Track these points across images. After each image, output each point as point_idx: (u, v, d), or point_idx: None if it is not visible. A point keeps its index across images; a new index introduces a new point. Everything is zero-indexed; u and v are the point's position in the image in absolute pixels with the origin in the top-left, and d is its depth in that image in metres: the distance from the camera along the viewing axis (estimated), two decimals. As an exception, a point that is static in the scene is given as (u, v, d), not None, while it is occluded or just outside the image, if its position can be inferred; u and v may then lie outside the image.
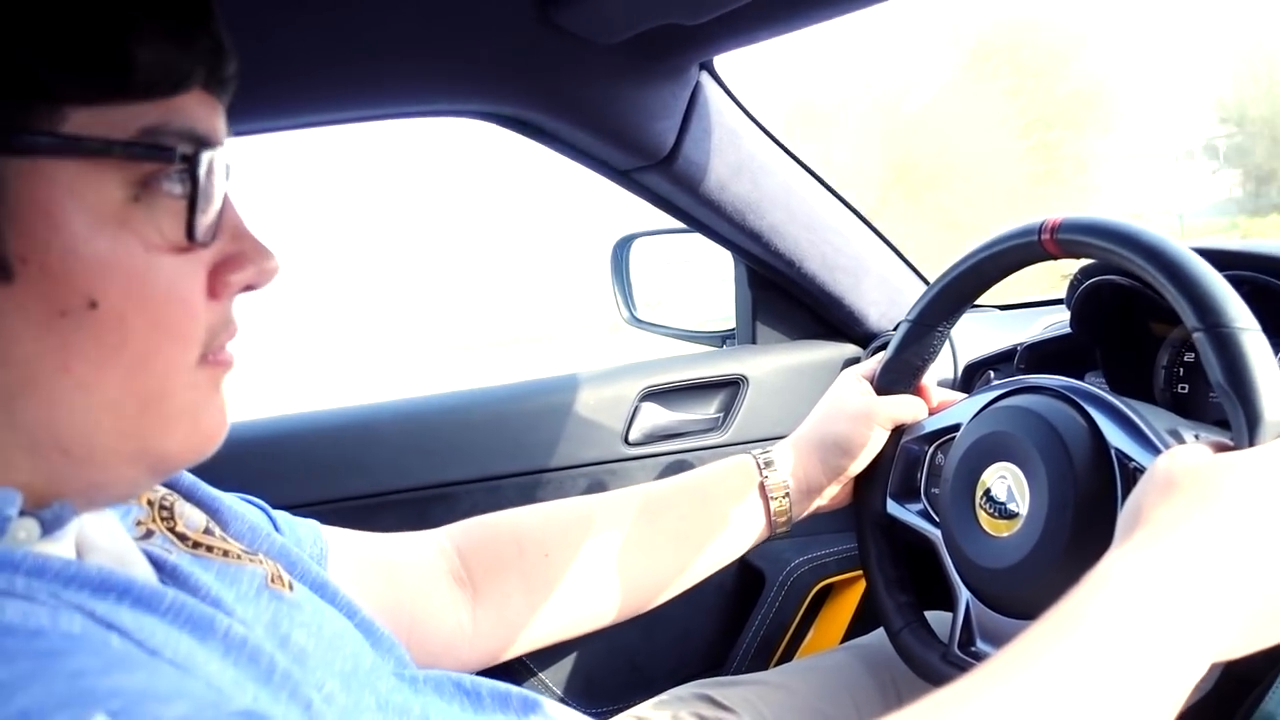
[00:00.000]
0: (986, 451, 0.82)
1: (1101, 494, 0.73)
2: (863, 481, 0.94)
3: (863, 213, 1.26)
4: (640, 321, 1.48)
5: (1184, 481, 0.58)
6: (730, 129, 1.13)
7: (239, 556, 0.59)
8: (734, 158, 1.14)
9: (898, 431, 0.93)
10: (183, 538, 0.57)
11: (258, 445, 1.09)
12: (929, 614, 0.90)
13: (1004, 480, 0.80)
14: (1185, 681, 0.53)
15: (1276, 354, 0.63)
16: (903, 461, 0.92)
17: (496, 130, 1.09)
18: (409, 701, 0.61)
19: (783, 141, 1.18)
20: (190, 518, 0.60)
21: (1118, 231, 0.70)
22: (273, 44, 0.86)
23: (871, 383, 0.93)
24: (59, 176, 0.43)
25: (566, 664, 1.17)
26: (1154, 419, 0.73)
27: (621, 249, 1.48)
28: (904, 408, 0.92)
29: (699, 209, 1.18)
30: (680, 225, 1.25)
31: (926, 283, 1.00)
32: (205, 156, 0.46)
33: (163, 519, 0.58)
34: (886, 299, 1.27)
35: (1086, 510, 0.74)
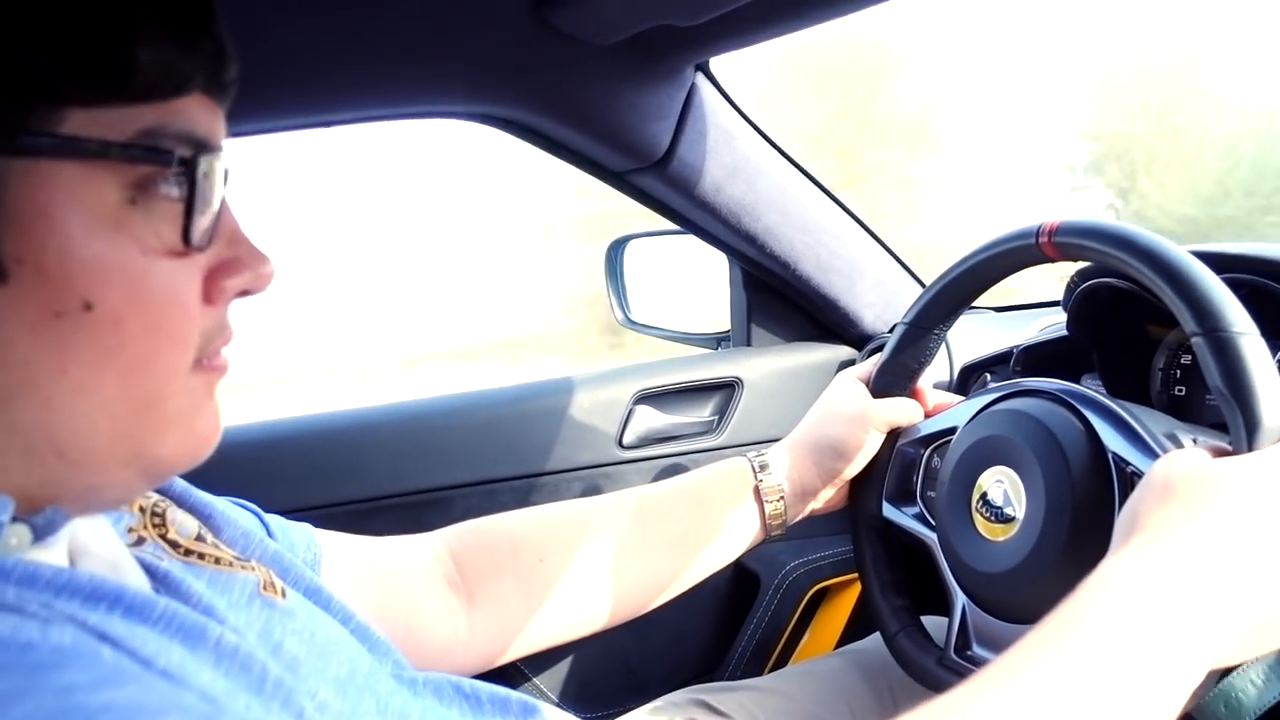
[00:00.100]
0: (983, 455, 0.82)
1: (1098, 499, 0.73)
2: (858, 484, 0.94)
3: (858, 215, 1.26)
4: (635, 323, 1.48)
5: (1181, 487, 0.58)
6: (725, 131, 1.12)
7: (231, 563, 0.58)
8: (729, 160, 1.13)
9: (893, 434, 0.92)
10: (174, 545, 0.57)
11: (251, 449, 1.09)
12: (925, 619, 0.90)
13: (1000, 484, 0.79)
14: (1182, 688, 0.52)
15: (1275, 358, 0.62)
16: (898, 464, 0.92)
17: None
18: (409, 705, 0.60)
19: (778, 144, 1.17)
20: (182, 524, 0.59)
21: (1116, 234, 0.70)
22: (265, 45, 0.85)
23: (867, 385, 0.93)
24: (56, 177, 0.42)
25: (561, 668, 1.16)
26: (1151, 423, 0.73)
27: (616, 250, 1.48)
28: (900, 410, 0.92)
29: (694, 211, 1.17)
30: (675, 227, 1.25)
31: (922, 285, 1.00)
32: (203, 160, 0.46)
33: (154, 526, 0.58)
34: (882, 301, 1.27)
35: (1083, 515, 0.73)
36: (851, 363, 1.27)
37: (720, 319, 1.40)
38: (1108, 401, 0.76)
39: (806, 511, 0.94)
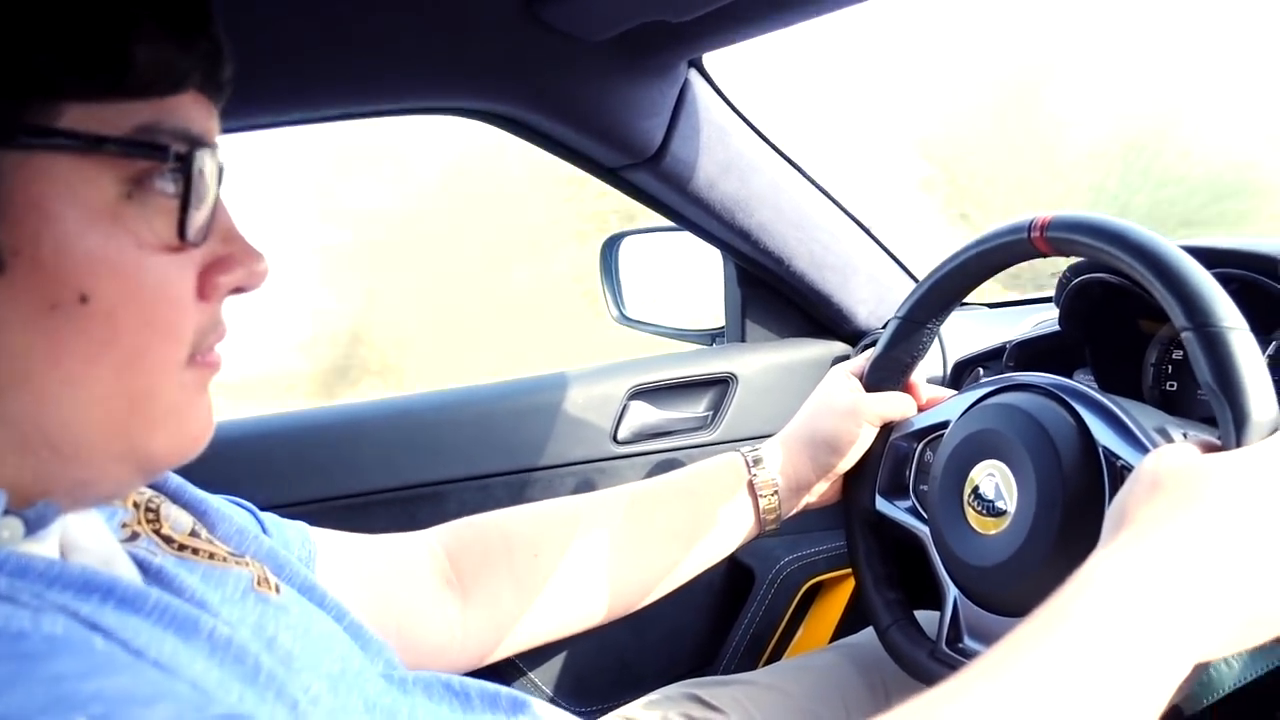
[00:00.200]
0: (975, 449, 0.82)
1: (1089, 492, 0.73)
2: (851, 478, 0.94)
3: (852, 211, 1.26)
4: (629, 320, 1.48)
5: (1170, 482, 0.58)
6: (719, 126, 1.12)
7: (225, 559, 0.58)
8: (722, 155, 1.13)
9: (886, 428, 0.93)
10: (168, 540, 0.57)
11: (244, 444, 1.09)
12: (918, 613, 0.90)
13: (992, 478, 0.80)
14: (1169, 681, 0.53)
15: (1265, 352, 0.63)
16: (891, 458, 0.92)
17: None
18: (397, 703, 0.60)
19: (772, 139, 1.18)
20: (176, 520, 0.59)
21: (1107, 229, 0.70)
22: (258, 40, 0.85)
23: (860, 380, 0.94)
24: (53, 171, 0.43)
25: (556, 663, 1.17)
26: (1142, 417, 0.73)
27: (610, 247, 1.48)
28: (893, 405, 0.92)
29: (688, 207, 1.17)
30: (669, 223, 1.25)
31: (916, 281, 1.00)
32: (199, 156, 0.47)
33: (148, 521, 0.58)
34: (875, 297, 1.27)
35: (1074, 508, 0.74)
36: (845, 358, 1.27)
37: (714, 315, 1.40)
38: (1099, 396, 0.76)
39: (800, 506, 0.94)
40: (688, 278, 1.46)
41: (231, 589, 0.56)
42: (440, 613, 0.82)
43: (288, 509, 0.76)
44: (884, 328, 0.93)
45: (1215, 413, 0.62)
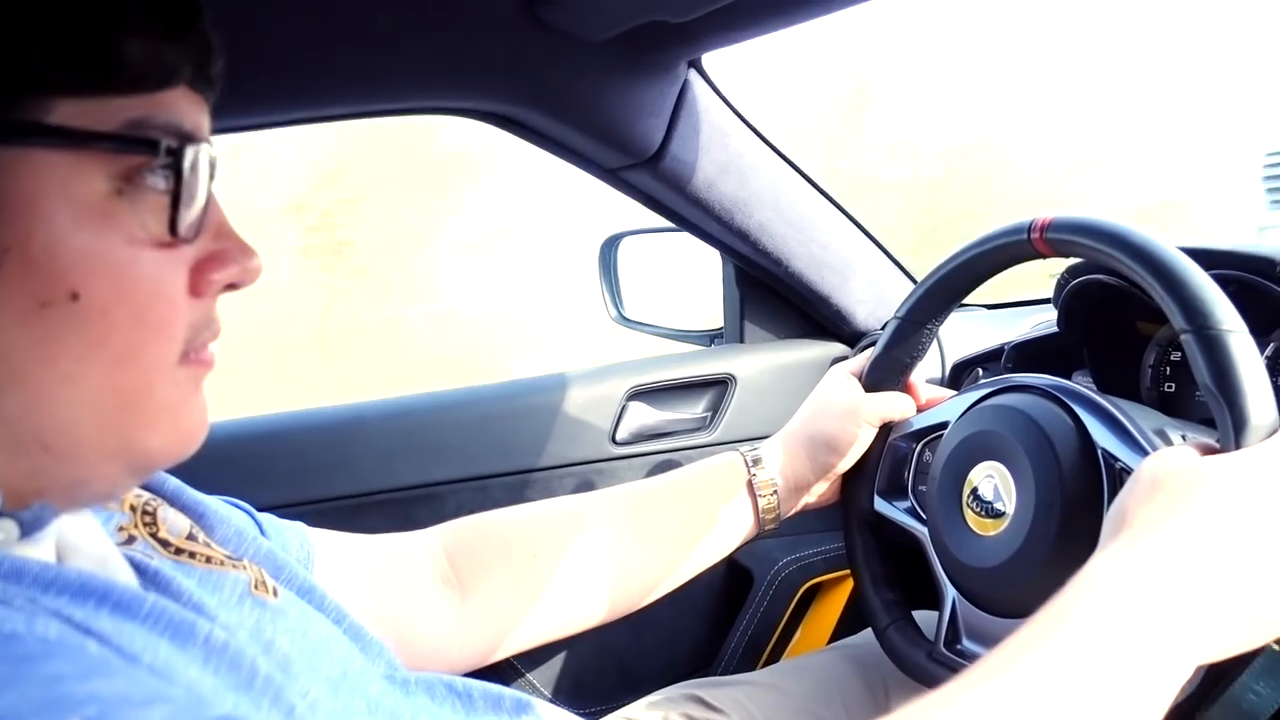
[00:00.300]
0: (974, 450, 0.82)
1: (1088, 495, 0.73)
2: (850, 478, 0.94)
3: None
4: (628, 320, 1.48)
5: (1169, 484, 0.58)
6: (718, 127, 1.12)
7: (222, 562, 0.58)
8: (722, 156, 1.13)
9: (886, 429, 0.93)
10: (165, 544, 0.57)
11: (242, 445, 1.08)
12: (916, 614, 0.90)
13: (991, 479, 0.80)
14: (1170, 684, 0.53)
15: (1262, 353, 0.63)
16: (890, 459, 0.92)
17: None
18: (400, 705, 0.60)
19: (771, 140, 1.18)
20: (173, 523, 0.59)
21: (1107, 231, 0.70)
22: (260, 40, 0.85)
23: (860, 379, 0.93)
24: (43, 167, 0.43)
25: (555, 665, 1.17)
26: (1141, 419, 0.73)
27: (609, 248, 1.48)
28: (892, 405, 0.92)
29: (686, 207, 1.17)
30: (668, 224, 1.25)
31: (914, 282, 1.00)
32: (190, 152, 0.46)
33: (145, 524, 0.58)
34: (874, 298, 1.27)
35: (1073, 511, 0.74)
36: (844, 359, 1.27)
37: (713, 316, 1.40)
38: (1098, 398, 0.76)
39: (799, 506, 0.94)
40: (686, 278, 1.46)
41: (229, 593, 0.56)
42: (439, 613, 0.82)
43: (285, 510, 0.76)
44: (883, 328, 0.92)
45: (1214, 415, 0.62)
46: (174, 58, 0.46)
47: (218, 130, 0.51)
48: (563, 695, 1.17)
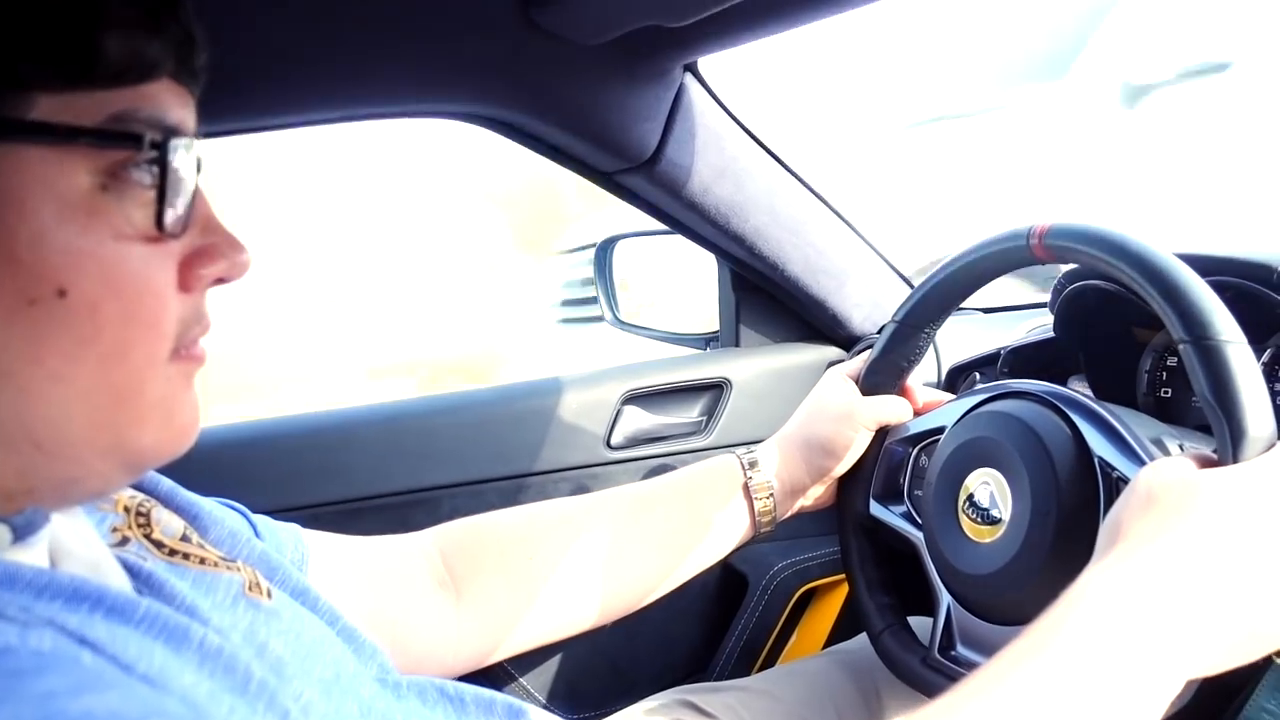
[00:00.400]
0: (970, 456, 0.82)
1: (1084, 503, 0.73)
2: (846, 482, 0.94)
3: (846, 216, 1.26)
4: (623, 323, 1.48)
5: (1164, 497, 0.58)
6: (714, 131, 1.12)
7: (216, 564, 0.58)
8: (717, 160, 1.13)
9: (882, 432, 0.92)
10: (159, 545, 0.57)
11: (237, 450, 1.08)
12: (911, 619, 0.90)
13: (987, 486, 0.80)
14: (1161, 698, 0.53)
15: (1259, 359, 0.63)
16: (886, 463, 0.92)
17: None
18: (392, 708, 0.60)
19: (767, 144, 1.17)
20: (167, 524, 0.59)
21: (1107, 239, 0.70)
22: (251, 42, 0.85)
23: (856, 383, 0.93)
24: (27, 163, 0.42)
25: (549, 669, 1.16)
26: (1138, 427, 0.73)
27: (605, 251, 1.47)
28: (888, 409, 0.92)
29: (682, 211, 1.17)
30: (664, 228, 1.25)
31: (911, 287, 1.00)
32: (174, 145, 0.46)
33: (139, 525, 0.57)
34: (870, 302, 1.27)
35: (1069, 519, 0.74)
36: (840, 364, 1.27)
37: (709, 319, 1.40)
38: (1095, 406, 0.76)
39: (795, 508, 0.94)
40: (682, 282, 1.46)
41: (222, 595, 0.56)
42: (434, 615, 0.81)
43: (280, 515, 0.75)
44: (880, 332, 0.92)
45: (1212, 426, 0.62)
46: (155, 50, 0.45)
47: (207, 134, 0.51)
48: (556, 700, 1.16)
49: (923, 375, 1.14)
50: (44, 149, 0.43)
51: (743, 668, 1.22)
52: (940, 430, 0.88)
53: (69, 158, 0.43)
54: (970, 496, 0.81)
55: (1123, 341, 0.95)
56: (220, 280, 0.50)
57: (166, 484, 0.63)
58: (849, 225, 1.25)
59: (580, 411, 1.18)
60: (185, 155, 0.47)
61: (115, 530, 0.56)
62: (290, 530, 0.75)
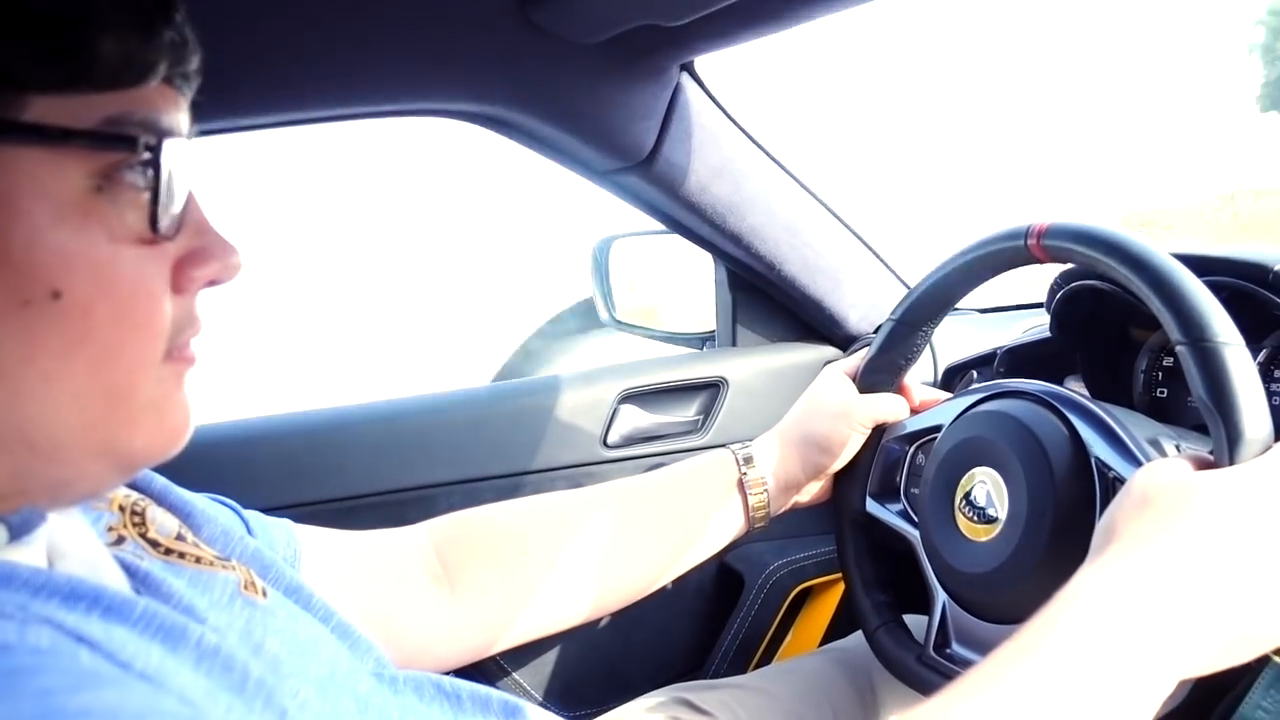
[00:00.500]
0: (967, 455, 0.82)
1: (1080, 503, 0.73)
2: (842, 479, 0.94)
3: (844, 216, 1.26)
4: (620, 323, 1.48)
5: (1159, 499, 0.58)
6: (711, 131, 1.12)
7: (211, 563, 0.58)
8: (714, 160, 1.13)
9: (879, 430, 0.93)
10: (155, 544, 0.57)
11: (232, 448, 1.08)
12: (907, 617, 0.90)
13: (984, 485, 0.80)
14: (1153, 698, 0.53)
15: (1255, 359, 0.63)
16: (883, 461, 0.92)
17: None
18: (389, 703, 0.60)
19: (764, 144, 1.17)
20: (162, 523, 0.59)
21: (1105, 239, 0.70)
22: (246, 41, 0.85)
23: (854, 380, 0.93)
24: (20, 165, 0.42)
25: (544, 666, 1.16)
26: (1135, 427, 0.73)
27: (602, 250, 1.47)
28: (885, 407, 0.92)
29: (679, 211, 1.17)
30: (661, 227, 1.25)
31: (907, 286, 1.00)
32: (168, 148, 0.46)
33: (135, 525, 0.57)
34: (867, 302, 1.27)
35: (1065, 519, 0.74)
36: (837, 361, 1.27)
37: (706, 319, 1.40)
38: (1092, 406, 0.76)
39: (790, 504, 0.94)
40: (679, 281, 1.46)
41: (219, 593, 0.56)
42: (428, 609, 0.81)
43: (275, 513, 0.75)
44: (876, 332, 0.92)
45: (1209, 428, 0.62)
46: (150, 53, 0.45)
47: (202, 133, 0.51)
48: (551, 697, 1.16)
49: (919, 375, 1.14)
50: (38, 151, 0.43)
51: (739, 666, 1.22)
52: (937, 429, 0.88)
53: (63, 160, 0.43)
54: (967, 495, 0.81)
55: (1119, 341, 0.95)
56: (213, 282, 0.50)
57: (160, 482, 0.63)
58: (846, 225, 1.25)
59: (577, 410, 1.18)
60: (179, 157, 0.47)
61: (111, 529, 0.56)
62: (282, 526, 0.75)
